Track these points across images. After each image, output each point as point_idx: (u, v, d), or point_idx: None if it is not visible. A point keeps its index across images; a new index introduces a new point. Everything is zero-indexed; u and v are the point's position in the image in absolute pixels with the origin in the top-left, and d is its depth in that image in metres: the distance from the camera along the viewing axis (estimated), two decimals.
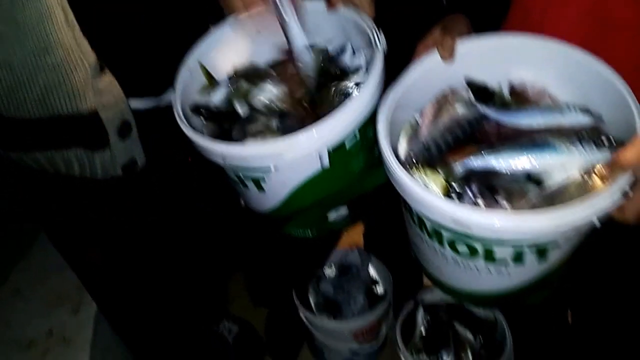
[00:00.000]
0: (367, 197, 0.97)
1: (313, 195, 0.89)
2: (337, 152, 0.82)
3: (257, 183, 0.86)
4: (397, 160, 0.75)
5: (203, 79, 0.95)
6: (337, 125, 0.79)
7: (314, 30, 0.93)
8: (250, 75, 0.95)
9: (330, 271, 1.58)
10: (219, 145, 0.80)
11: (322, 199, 0.91)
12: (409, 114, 0.88)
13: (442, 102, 0.85)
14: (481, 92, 0.84)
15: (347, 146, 0.83)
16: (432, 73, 0.86)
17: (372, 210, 1.14)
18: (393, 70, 0.86)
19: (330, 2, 0.89)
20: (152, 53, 0.91)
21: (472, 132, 0.81)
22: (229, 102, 0.95)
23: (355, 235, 1.66)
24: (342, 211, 0.98)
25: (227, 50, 0.97)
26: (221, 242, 1.35)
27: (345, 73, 0.91)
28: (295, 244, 1.20)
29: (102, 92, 0.84)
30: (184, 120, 0.84)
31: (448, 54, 0.83)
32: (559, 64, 0.81)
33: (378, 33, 0.85)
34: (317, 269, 1.53)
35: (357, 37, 0.92)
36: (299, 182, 0.86)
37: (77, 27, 0.79)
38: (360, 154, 0.86)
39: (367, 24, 0.87)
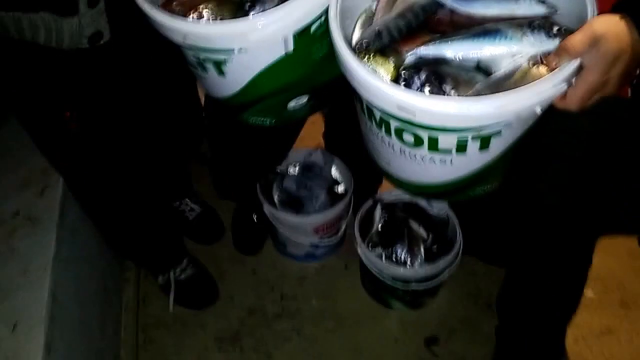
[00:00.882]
0: (327, 87, 0.95)
1: (275, 81, 0.87)
2: (302, 37, 0.79)
3: (218, 66, 0.83)
4: (346, 45, 0.73)
5: None
6: (304, 8, 0.75)
7: None
8: None
9: (293, 169, 1.60)
10: (180, 23, 0.76)
11: (283, 86, 0.89)
12: (365, 3, 0.85)
13: None
14: None
15: (312, 30, 0.80)
16: None
17: (331, 104, 1.13)
18: None
19: None
20: None
21: (426, 19, 0.79)
22: None
23: (319, 136, 1.66)
24: (302, 99, 0.96)
25: None
26: (183, 120, 1.38)
27: None
28: (256, 134, 1.21)
29: None
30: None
31: None
32: None
33: None
34: (279, 160, 1.55)
35: None
36: (261, 67, 0.83)
37: None
38: (324, 40, 0.82)
39: None
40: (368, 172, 1.45)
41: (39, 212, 1.24)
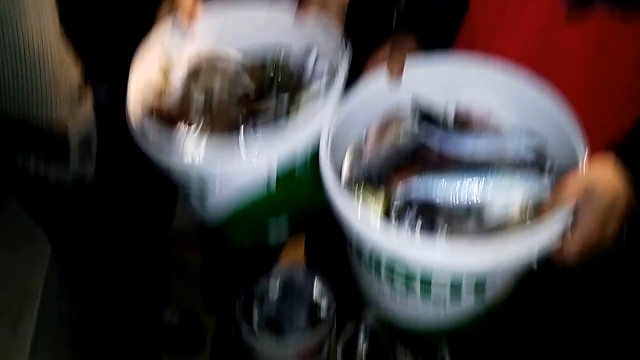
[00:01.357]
0: (308, 214, 0.96)
1: (255, 210, 0.86)
2: (285, 178, 0.80)
3: (201, 190, 0.84)
4: (336, 182, 0.71)
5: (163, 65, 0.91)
6: (287, 152, 0.77)
7: (280, 30, 0.93)
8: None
9: (274, 289, 1.53)
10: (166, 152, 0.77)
11: (263, 214, 0.89)
12: (356, 131, 0.85)
13: (388, 122, 0.82)
14: (427, 115, 0.82)
15: (296, 174, 0.81)
16: (379, 91, 0.83)
17: (312, 227, 1.12)
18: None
19: (302, 7, 0.88)
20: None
21: (416, 156, 0.78)
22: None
23: (300, 253, 1.62)
24: (281, 225, 0.95)
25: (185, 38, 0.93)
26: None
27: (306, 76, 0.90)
28: (237, 251, 1.20)
29: (76, 113, 0.92)
30: (134, 123, 0.81)
31: (396, 71, 0.80)
32: (504, 87, 0.79)
33: (345, 46, 0.84)
34: (259, 275, 1.50)
35: (323, 44, 0.90)
36: (242, 198, 0.83)
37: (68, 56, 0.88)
38: (308, 180, 0.83)
39: (335, 35, 0.86)
40: (352, 292, 1.40)
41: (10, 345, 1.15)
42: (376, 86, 0.82)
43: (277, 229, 0.95)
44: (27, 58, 0.83)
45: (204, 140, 0.82)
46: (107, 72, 0.90)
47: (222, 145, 0.79)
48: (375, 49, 0.85)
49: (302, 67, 0.92)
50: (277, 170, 0.78)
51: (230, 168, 0.78)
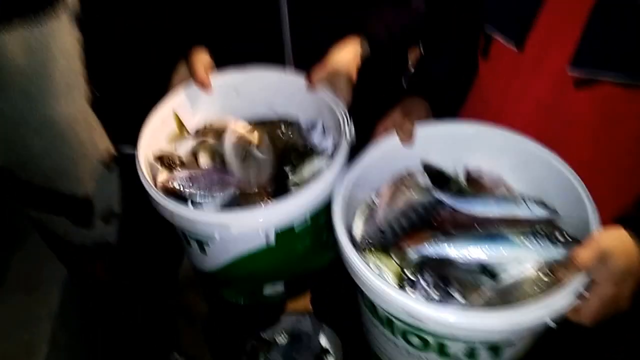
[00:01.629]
0: (306, 276, 0.98)
1: (253, 267, 0.88)
2: (284, 233, 0.81)
3: (201, 245, 0.85)
4: (351, 245, 0.72)
5: (172, 128, 0.93)
6: (288, 210, 0.78)
7: (289, 100, 0.96)
8: (218, 132, 0.94)
9: (281, 338, 1.52)
10: (170, 203, 0.79)
11: (261, 272, 0.91)
12: (365, 194, 0.87)
13: (399, 184, 0.84)
14: (437, 177, 0.84)
15: (296, 229, 0.82)
16: (389, 154, 0.86)
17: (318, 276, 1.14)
18: (353, 148, 0.86)
19: (311, 81, 0.91)
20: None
21: (428, 217, 0.79)
22: (193, 154, 0.93)
23: (307, 301, 1.62)
24: (279, 287, 0.97)
25: (197, 104, 0.97)
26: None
27: (311, 150, 0.93)
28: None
29: (102, 185, 0.97)
30: (143, 169, 0.83)
31: (407, 137, 0.82)
32: (514, 154, 0.81)
33: (348, 122, 0.86)
34: (264, 328, 1.49)
35: (329, 117, 0.93)
36: (240, 253, 0.85)
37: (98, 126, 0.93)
38: (307, 237, 0.85)
39: (340, 111, 0.88)
40: (359, 341, 1.39)
41: None
42: (386, 149, 0.85)
43: (273, 289, 0.97)
44: (56, 134, 0.88)
45: (207, 200, 0.85)
46: (132, 137, 0.93)
47: (225, 209, 0.83)
48: (385, 113, 0.88)
49: (307, 137, 0.96)
50: (277, 228, 0.80)
51: (234, 231, 0.79)
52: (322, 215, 0.82)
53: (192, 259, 0.95)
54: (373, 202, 0.85)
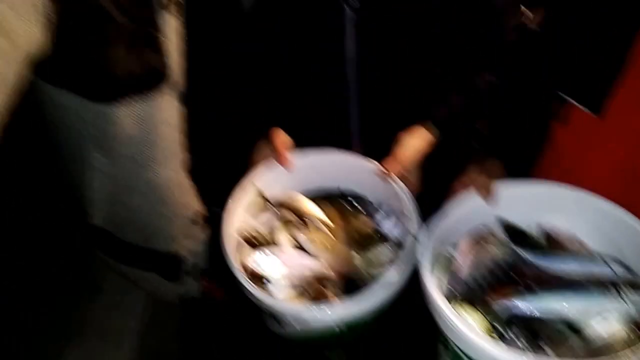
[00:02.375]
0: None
1: (320, 340, 0.95)
2: (354, 322, 0.89)
3: (274, 317, 0.93)
4: (443, 298, 0.77)
5: (255, 203, 1.01)
6: (359, 307, 0.86)
7: (360, 182, 1.03)
8: (295, 208, 1.01)
9: None
10: (249, 285, 0.86)
11: (328, 344, 1.00)
12: (441, 247, 0.92)
13: (479, 240, 0.89)
14: (515, 234, 0.89)
15: (366, 318, 0.89)
16: (467, 210, 0.91)
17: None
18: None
19: (383, 171, 0.97)
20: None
21: (511, 273, 0.85)
22: (272, 229, 1.00)
23: None
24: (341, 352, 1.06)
25: (277, 180, 1.04)
26: None
27: (379, 235, 0.99)
28: None
29: (191, 241, 1.04)
30: (229, 250, 0.90)
31: (489, 195, 0.88)
32: (589, 214, 0.86)
33: (415, 214, 0.92)
34: None
35: (396, 203, 0.99)
36: (310, 331, 0.92)
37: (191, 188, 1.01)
38: (376, 319, 0.92)
39: (408, 201, 0.95)
40: None
41: None
42: (464, 206, 0.91)
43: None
44: (156, 195, 0.96)
45: (283, 282, 0.92)
46: (218, 198, 1.00)
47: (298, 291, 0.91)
48: (460, 173, 0.94)
49: (375, 218, 1.02)
50: (347, 320, 0.87)
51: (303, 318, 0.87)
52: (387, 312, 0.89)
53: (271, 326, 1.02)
54: (451, 255, 0.91)
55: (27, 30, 0.65)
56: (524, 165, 0.98)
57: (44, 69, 0.75)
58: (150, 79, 0.89)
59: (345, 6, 0.98)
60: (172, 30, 0.89)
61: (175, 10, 0.88)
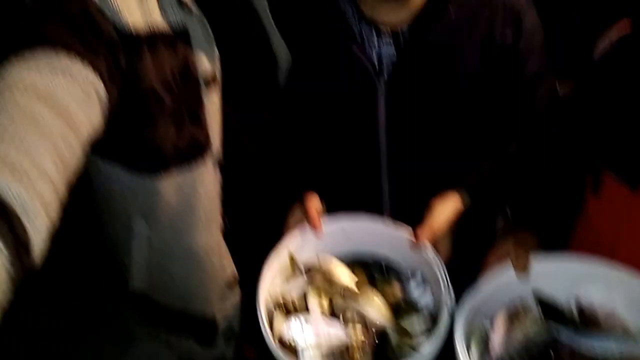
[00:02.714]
0: None
1: None
2: None
3: None
4: None
5: (287, 268, 1.03)
6: None
7: (391, 248, 1.03)
8: (326, 274, 1.02)
9: None
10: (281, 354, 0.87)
11: None
12: (477, 320, 0.92)
13: (514, 315, 0.89)
14: (551, 310, 0.88)
15: None
16: (503, 284, 0.91)
17: None
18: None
19: (415, 240, 0.97)
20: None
21: (547, 352, 0.84)
22: (304, 295, 1.01)
23: None
24: None
25: (309, 245, 1.05)
26: None
27: (411, 305, 0.98)
28: None
29: (226, 305, 1.06)
30: (264, 317, 0.90)
31: (524, 270, 0.88)
32: (628, 291, 0.85)
33: (448, 285, 0.92)
34: None
35: (428, 271, 0.99)
36: None
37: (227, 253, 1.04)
38: None
39: (440, 270, 0.94)
40: None
41: None
42: (500, 280, 0.91)
43: None
44: (195, 260, 0.99)
45: (314, 352, 0.91)
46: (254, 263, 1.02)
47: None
48: (495, 245, 0.94)
49: (406, 286, 1.02)
50: None
51: None
52: None
53: None
54: (487, 330, 0.90)
55: (88, 118, 0.69)
56: (557, 237, 0.98)
57: (94, 143, 0.80)
58: (193, 151, 0.93)
59: (378, 78, 1.03)
60: (213, 104, 0.93)
61: (216, 85, 0.93)
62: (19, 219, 0.51)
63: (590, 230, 0.94)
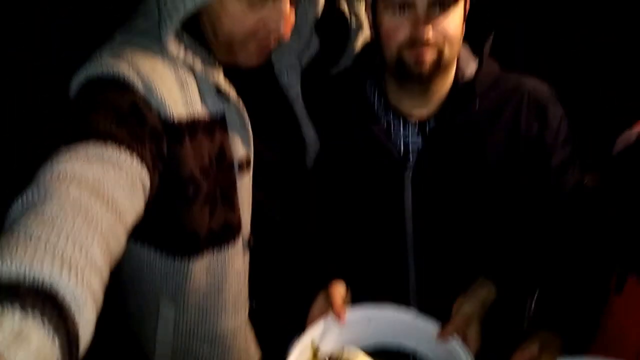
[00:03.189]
0: None
1: None
2: None
3: None
4: None
5: (310, 356, 1.00)
6: None
7: (418, 340, 1.01)
8: None
9: None
10: None
11: None
12: None
13: None
14: None
15: None
16: None
17: None
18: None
19: (443, 333, 0.96)
20: None
21: None
22: None
23: None
24: None
25: (332, 333, 1.04)
26: None
27: None
28: None
29: None
30: None
31: None
32: None
33: None
34: None
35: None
36: None
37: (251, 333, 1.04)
38: None
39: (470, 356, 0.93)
40: None
41: None
42: None
43: None
44: (221, 342, 1.00)
45: None
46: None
47: None
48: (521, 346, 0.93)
49: None
50: None
51: None
52: None
53: None
54: None
55: (133, 206, 0.72)
56: (582, 337, 0.96)
57: None
58: (225, 233, 0.95)
59: (405, 164, 1.06)
60: (245, 187, 0.96)
61: (249, 168, 0.96)
62: (70, 311, 0.52)
63: (615, 331, 0.93)
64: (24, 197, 0.63)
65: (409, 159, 1.07)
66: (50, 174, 0.66)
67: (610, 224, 0.98)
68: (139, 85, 0.82)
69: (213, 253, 0.94)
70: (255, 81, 1.01)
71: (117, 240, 0.66)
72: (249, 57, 0.93)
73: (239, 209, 0.95)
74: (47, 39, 1.68)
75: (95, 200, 0.65)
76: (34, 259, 0.52)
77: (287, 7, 0.90)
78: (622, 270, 0.90)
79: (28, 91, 1.68)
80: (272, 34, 0.91)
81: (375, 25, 1.06)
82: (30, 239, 0.55)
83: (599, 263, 0.99)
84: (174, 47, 0.86)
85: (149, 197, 0.78)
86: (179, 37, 0.88)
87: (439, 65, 1.00)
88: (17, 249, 0.53)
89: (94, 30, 1.11)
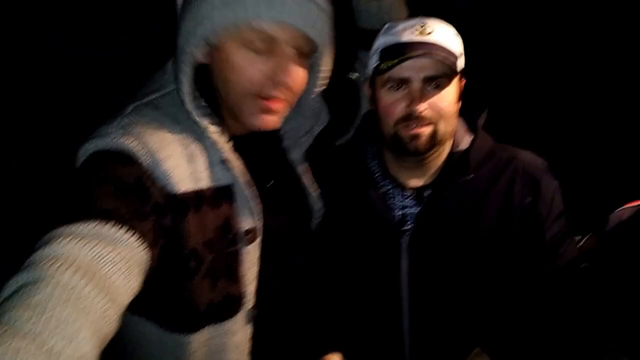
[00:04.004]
0: None
1: None
2: None
3: None
4: None
5: None
6: None
7: None
8: None
9: None
10: None
11: None
12: None
13: None
14: None
15: None
16: None
17: None
18: None
19: None
20: None
21: None
22: None
23: None
24: None
25: None
26: None
27: None
28: None
29: None
30: None
31: None
32: None
33: None
34: None
35: None
36: None
37: None
38: None
39: None
40: None
41: None
42: None
43: None
44: None
45: None
46: None
47: None
48: None
49: None
50: None
51: None
52: None
53: None
54: None
55: (130, 286, 0.71)
56: None
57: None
58: (227, 307, 0.91)
59: (402, 231, 1.07)
60: (251, 258, 0.92)
61: (255, 240, 0.92)
62: None
63: None
64: (17, 278, 0.62)
65: (406, 225, 1.08)
66: (46, 256, 0.65)
67: (604, 303, 0.97)
68: (145, 160, 0.81)
69: (213, 326, 0.90)
70: (263, 154, 0.99)
71: (110, 324, 0.65)
72: (256, 116, 0.89)
73: (242, 281, 0.91)
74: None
75: (89, 287, 0.64)
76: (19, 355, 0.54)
77: (295, 60, 0.88)
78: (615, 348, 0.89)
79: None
80: (280, 89, 0.88)
81: (373, 100, 1.08)
82: (19, 331, 0.56)
83: (592, 340, 0.98)
84: (190, 103, 0.85)
85: (148, 273, 0.76)
86: (195, 100, 0.87)
87: (434, 140, 1.03)
88: (4, 341, 0.55)
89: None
